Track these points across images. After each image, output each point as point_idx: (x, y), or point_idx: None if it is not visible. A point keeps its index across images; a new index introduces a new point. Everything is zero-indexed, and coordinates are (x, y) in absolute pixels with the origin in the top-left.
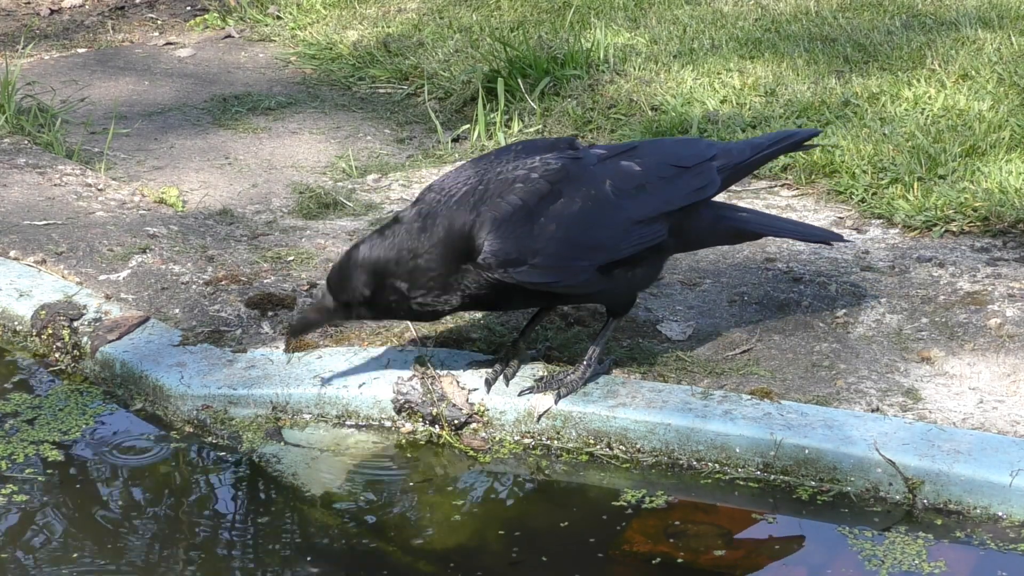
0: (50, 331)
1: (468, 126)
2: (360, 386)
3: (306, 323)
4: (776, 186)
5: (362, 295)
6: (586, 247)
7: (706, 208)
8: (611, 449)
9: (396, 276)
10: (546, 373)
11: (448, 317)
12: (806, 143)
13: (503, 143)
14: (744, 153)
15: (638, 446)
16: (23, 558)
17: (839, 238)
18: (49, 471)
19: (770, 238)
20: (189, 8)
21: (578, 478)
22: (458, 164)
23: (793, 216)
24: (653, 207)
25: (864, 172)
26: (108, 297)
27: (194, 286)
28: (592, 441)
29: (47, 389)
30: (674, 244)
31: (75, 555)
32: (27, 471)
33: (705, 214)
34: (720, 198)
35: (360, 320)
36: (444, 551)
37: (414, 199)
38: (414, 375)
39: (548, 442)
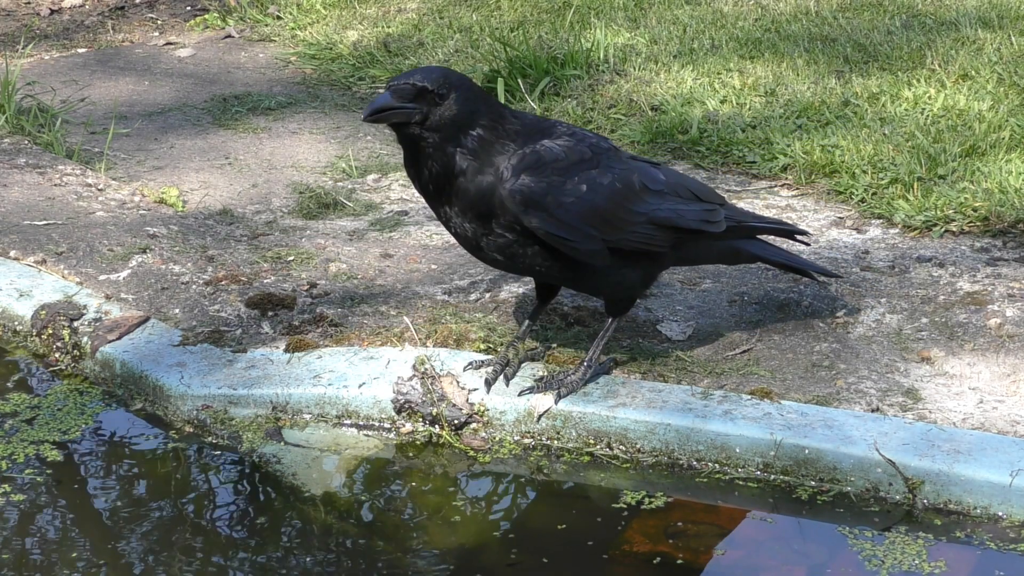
0: (50, 331)
1: None
2: (360, 386)
3: (387, 102)
4: (776, 186)
5: (442, 86)
6: (604, 219)
7: (711, 236)
8: (611, 449)
9: (479, 118)
10: (546, 373)
11: (449, 317)
12: (797, 237)
13: None
14: (746, 217)
15: (638, 446)
16: (23, 558)
17: (836, 275)
18: (49, 471)
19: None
20: (189, 8)
21: (578, 478)
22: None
23: (793, 216)
24: (667, 215)
25: (864, 172)
26: (108, 297)
27: (194, 286)
28: (592, 441)
29: (47, 389)
30: (673, 259)
31: (74, 554)
32: (27, 471)
33: (707, 242)
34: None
35: (429, 131)
36: (444, 551)
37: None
38: (414, 375)
39: (548, 442)
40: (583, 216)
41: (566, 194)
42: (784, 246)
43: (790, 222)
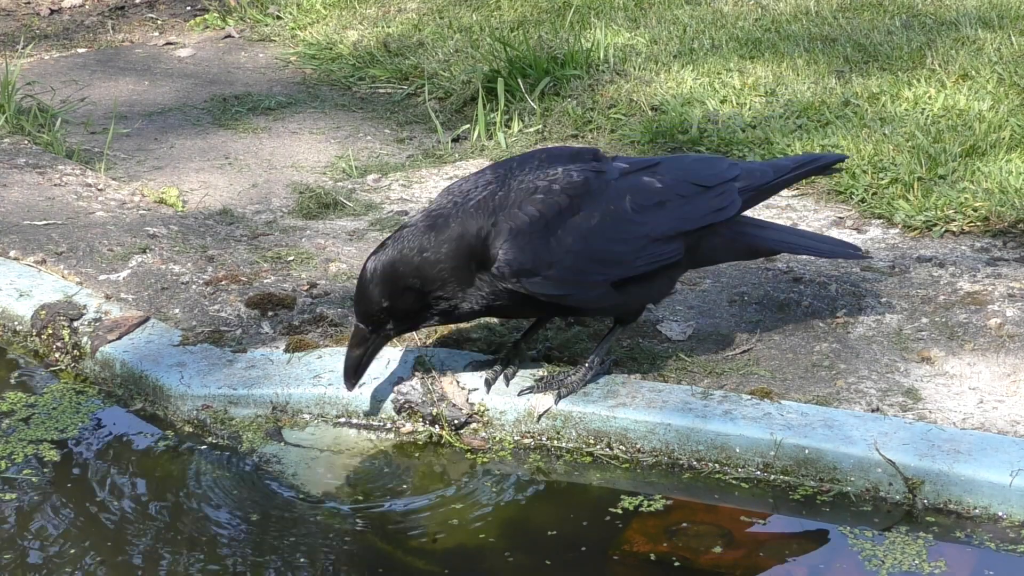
0: (50, 331)
1: (468, 126)
2: (360, 386)
3: (353, 359)
4: None
5: (380, 306)
6: (602, 262)
7: (724, 227)
8: (611, 449)
9: (406, 276)
10: (546, 373)
11: None
12: (832, 167)
13: (503, 143)
14: (767, 175)
15: (638, 446)
16: (22, 558)
17: (860, 255)
18: (47, 470)
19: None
20: (189, 8)
21: (578, 478)
22: (477, 168)
23: (792, 216)
24: (671, 225)
25: (864, 172)
26: (108, 297)
27: (194, 286)
28: (592, 441)
29: (45, 388)
30: (688, 262)
31: (73, 551)
32: (25, 471)
33: (722, 233)
34: None
35: (399, 335)
36: (444, 551)
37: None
38: (414, 375)
39: (548, 442)
40: (578, 269)
41: (552, 252)
42: (803, 227)
43: (825, 153)
